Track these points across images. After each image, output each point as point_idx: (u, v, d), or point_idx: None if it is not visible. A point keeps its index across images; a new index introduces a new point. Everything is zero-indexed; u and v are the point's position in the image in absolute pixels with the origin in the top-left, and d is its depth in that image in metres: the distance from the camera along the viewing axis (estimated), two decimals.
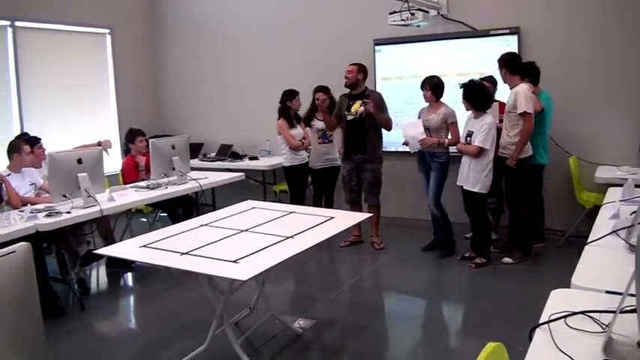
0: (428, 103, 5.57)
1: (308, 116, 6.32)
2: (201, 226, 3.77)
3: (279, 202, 6.57)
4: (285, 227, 3.62)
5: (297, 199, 6.27)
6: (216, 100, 8.32)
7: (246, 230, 3.61)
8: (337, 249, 5.99)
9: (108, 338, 4.19)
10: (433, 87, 5.46)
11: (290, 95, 6.34)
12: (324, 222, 3.73)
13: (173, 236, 3.50)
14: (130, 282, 5.51)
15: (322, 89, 6.02)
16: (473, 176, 5.09)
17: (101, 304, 4.86)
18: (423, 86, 5.51)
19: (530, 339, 1.70)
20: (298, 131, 6.35)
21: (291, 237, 3.36)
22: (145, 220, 6.82)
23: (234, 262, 2.94)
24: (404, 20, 5.61)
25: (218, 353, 3.52)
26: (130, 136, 6.11)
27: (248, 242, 3.32)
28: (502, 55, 5.23)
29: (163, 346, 3.87)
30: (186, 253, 3.08)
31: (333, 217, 3.87)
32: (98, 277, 5.52)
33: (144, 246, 3.25)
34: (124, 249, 3.36)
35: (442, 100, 5.54)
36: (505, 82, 5.23)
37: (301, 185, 6.41)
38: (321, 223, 3.69)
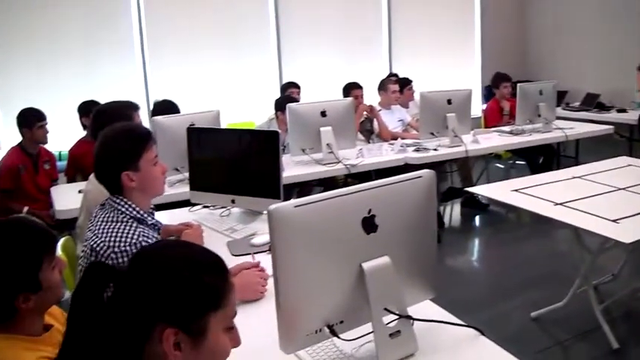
0: None
1: None
2: (574, 178, 3.54)
3: None
4: None
5: None
6: (584, 44, 7.64)
7: (623, 189, 3.26)
8: None
9: (459, 273, 4.35)
10: None
11: None
12: None
13: (544, 184, 3.38)
14: (485, 224, 5.58)
15: None
16: None
17: (455, 239, 5.05)
18: None
19: None
20: None
21: None
22: (500, 165, 6.78)
23: (614, 221, 2.69)
24: None
25: (575, 313, 3.34)
26: (495, 81, 6.05)
27: (627, 202, 3.01)
28: None
29: (515, 292, 3.83)
30: (561, 204, 2.95)
31: None
32: (452, 214, 5.72)
33: (515, 190, 3.22)
34: (495, 191, 3.38)
35: None
36: None
37: None
38: None
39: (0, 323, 1.39)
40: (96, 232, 1.94)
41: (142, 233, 1.96)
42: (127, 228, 1.95)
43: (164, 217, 2.74)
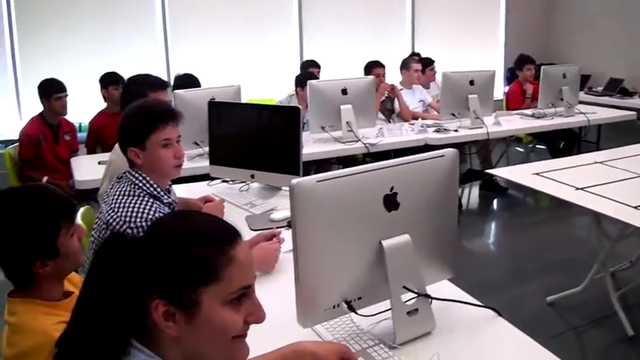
0: None
1: None
2: (595, 163, 3.50)
3: None
4: None
5: None
6: (609, 28, 7.49)
7: None
8: None
9: (476, 255, 4.35)
10: None
11: None
12: None
13: (565, 169, 3.35)
14: (503, 208, 5.56)
15: None
16: None
17: (473, 222, 5.03)
18: None
19: None
20: None
21: None
22: (520, 149, 6.72)
23: (635, 208, 2.66)
24: None
25: (591, 299, 3.33)
26: (519, 63, 5.97)
27: None
28: None
29: (531, 276, 3.82)
30: (582, 189, 2.92)
31: None
32: (469, 196, 5.69)
33: (536, 174, 3.19)
34: (516, 173, 3.36)
35: None
36: None
37: None
38: None
39: (19, 288, 1.42)
40: (112, 205, 1.95)
41: (157, 209, 1.97)
42: (143, 204, 1.95)
43: (182, 191, 2.77)
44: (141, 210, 1.93)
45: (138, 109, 2.04)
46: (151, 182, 2.01)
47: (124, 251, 1.04)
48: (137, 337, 1.03)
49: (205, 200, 2.53)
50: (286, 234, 2.29)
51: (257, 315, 1.07)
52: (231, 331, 1.03)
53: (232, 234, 1.06)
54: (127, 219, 1.90)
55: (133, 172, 2.01)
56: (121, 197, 1.96)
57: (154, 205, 1.97)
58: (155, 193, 2.01)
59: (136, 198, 1.96)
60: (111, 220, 1.91)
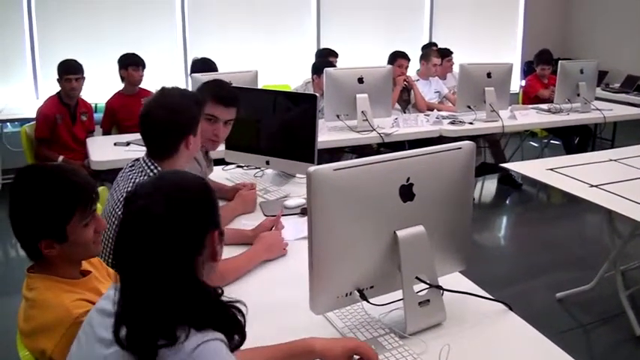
0: None
1: None
2: (610, 160, 3.48)
3: None
4: None
5: None
6: (628, 24, 7.41)
7: None
8: None
9: (488, 249, 4.34)
10: None
11: None
12: None
13: (580, 165, 3.33)
14: (515, 203, 5.53)
15: None
16: None
17: (485, 215, 5.02)
18: None
19: None
20: None
21: None
22: (534, 144, 6.67)
23: None
24: None
25: (601, 297, 3.33)
26: (537, 61, 5.91)
27: None
28: None
29: (541, 272, 3.81)
30: (596, 186, 2.90)
31: None
32: (482, 190, 5.68)
33: (550, 169, 3.18)
34: (530, 168, 3.35)
35: None
36: None
37: None
38: None
39: (32, 261, 1.43)
40: (121, 197, 1.89)
41: None
42: None
43: None
44: None
45: (190, 97, 2.02)
46: None
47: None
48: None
49: (236, 189, 2.56)
50: (299, 221, 2.31)
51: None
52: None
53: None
54: None
55: (148, 162, 1.95)
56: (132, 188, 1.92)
57: None
58: None
59: None
60: (118, 211, 1.86)
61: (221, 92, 2.34)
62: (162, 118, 1.92)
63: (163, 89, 2.01)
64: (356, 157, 1.74)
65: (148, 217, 1.07)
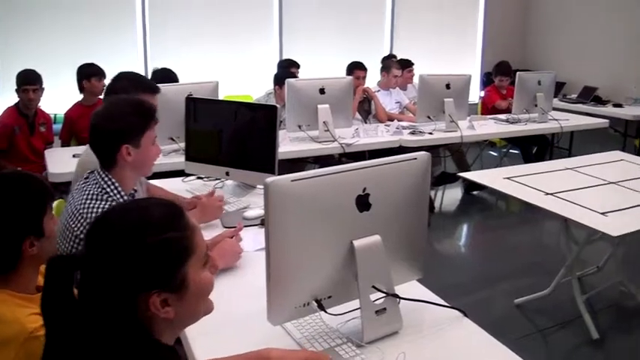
0: None
1: None
2: (566, 169, 3.58)
3: None
4: None
5: None
6: (585, 36, 7.64)
7: (614, 183, 3.30)
8: None
9: (446, 257, 4.41)
10: None
11: None
12: None
13: (536, 174, 3.41)
14: (475, 211, 5.64)
15: None
16: None
17: (444, 224, 5.10)
18: None
19: None
20: None
21: None
22: (493, 153, 6.81)
23: (602, 214, 2.73)
24: None
25: (558, 302, 3.41)
26: (496, 72, 6.04)
27: (617, 196, 3.06)
28: None
29: (500, 279, 3.90)
30: (551, 194, 2.98)
31: None
32: (442, 199, 5.76)
33: (507, 178, 3.25)
34: (488, 177, 3.41)
35: None
36: None
37: None
38: None
39: (2, 274, 1.42)
40: (76, 211, 1.86)
41: None
42: None
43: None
44: None
45: (134, 104, 1.97)
46: (120, 189, 1.92)
47: (73, 270, 1.06)
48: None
49: (195, 202, 2.47)
50: (259, 232, 2.31)
51: (215, 264, 1.20)
52: (211, 287, 1.15)
53: (179, 207, 1.13)
54: None
55: (103, 175, 1.92)
56: (87, 202, 1.87)
57: None
58: (121, 200, 1.91)
59: (102, 202, 1.87)
60: (75, 228, 1.84)
61: (154, 111, 2.07)
62: (98, 126, 1.92)
63: (112, 98, 1.99)
64: (318, 168, 1.75)
65: None
